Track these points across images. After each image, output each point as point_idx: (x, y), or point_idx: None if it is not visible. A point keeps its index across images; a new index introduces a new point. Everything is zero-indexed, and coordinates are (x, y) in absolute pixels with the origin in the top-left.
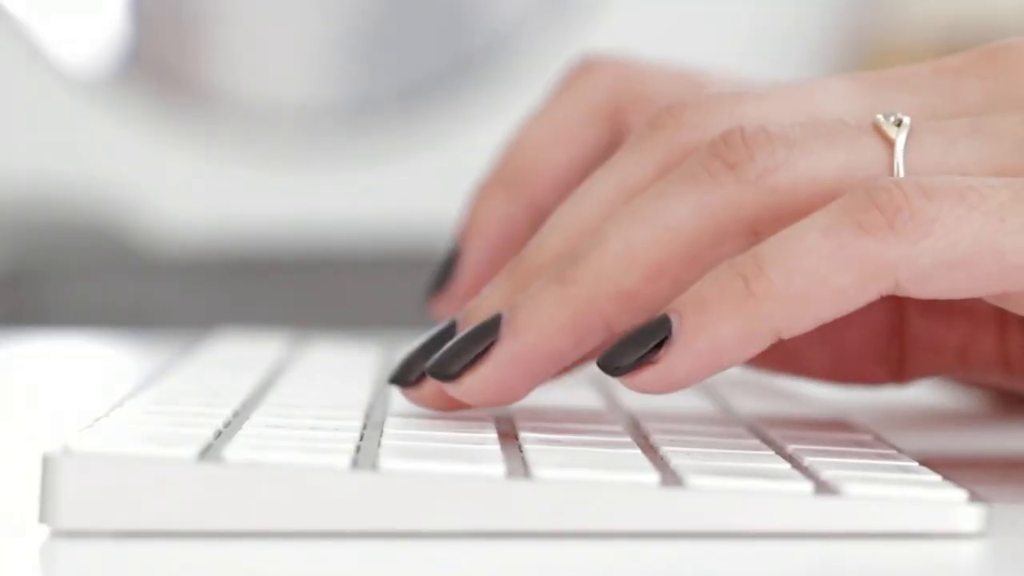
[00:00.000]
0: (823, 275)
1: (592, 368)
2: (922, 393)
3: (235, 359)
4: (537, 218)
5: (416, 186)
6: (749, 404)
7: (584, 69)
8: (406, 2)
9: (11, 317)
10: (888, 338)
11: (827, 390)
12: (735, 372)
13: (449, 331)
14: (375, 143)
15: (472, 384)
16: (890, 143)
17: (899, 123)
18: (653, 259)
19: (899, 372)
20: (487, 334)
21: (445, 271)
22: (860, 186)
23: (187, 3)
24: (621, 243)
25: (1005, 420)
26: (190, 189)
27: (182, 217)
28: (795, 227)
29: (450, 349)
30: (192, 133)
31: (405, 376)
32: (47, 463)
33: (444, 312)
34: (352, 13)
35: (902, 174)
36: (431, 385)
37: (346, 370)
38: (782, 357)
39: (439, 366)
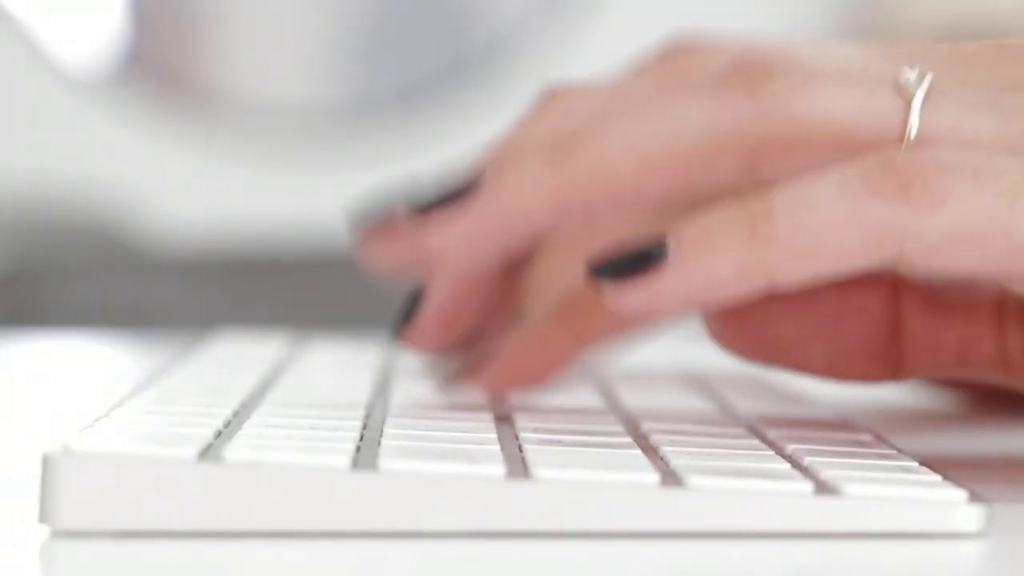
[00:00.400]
0: (830, 232)
1: (592, 368)
2: (922, 393)
3: (235, 359)
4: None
5: None
6: (749, 404)
7: (543, 102)
8: (406, 2)
9: (11, 317)
10: (886, 336)
11: (827, 390)
12: (735, 371)
13: (468, 187)
14: (375, 143)
15: (436, 235)
16: (907, 98)
17: (919, 82)
18: (649, 155)
19: (897, 370)
20: (467, 189)
21: (410, 303)
22: (877, 154)
23: (187, 3)
24: (620, 133)
25: (1005, 420)
26: (190, 189)
27: (182, 217)
28: (808, 177)
29: (428, 195)
30: (192, 133)
31: (425, 204)
32: (47, 463)
33: (411, 344)
34: (352, 13)
35: (915, 132)
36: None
37: (346, 370)
38: (778, 351)
39: (419, 203)
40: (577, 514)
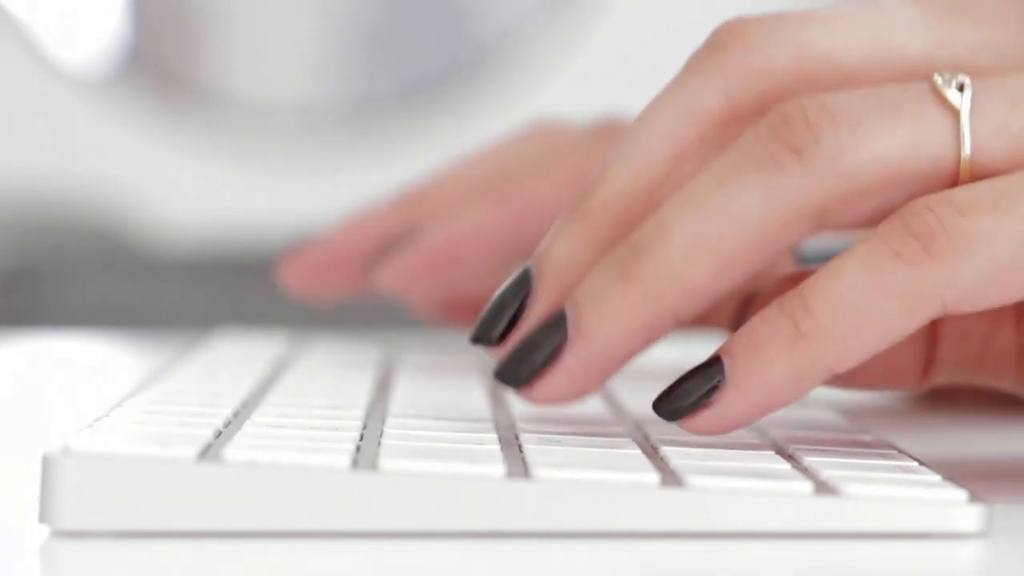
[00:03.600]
0: (867, 309)
1: None
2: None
3: (235, 359)
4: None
5: None
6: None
7: (524, 133)
8: (406, 2)
9: (11, 317)
10: (925, 328)
11: (827, 389)
12: None
13: (524, 279)
14: (375, 143)
15: (543, 389)
16: (954, 112)
17: (961, 87)
18: (721, 252)
19: (928, 367)
20: (552, 337)
21: (302, 244)
22: (896, 214)
23: (187, 3)
24: (687, 236)
25: (1005, 420)
26: (190, 189)
27: (182, 217)
28: (835, 262)
29: (516, 353)
30: (192, 133)
31: (488, 334)
32: (47, 463)
33: (285, 275)
34: (352, 13)
35: (968, 147)
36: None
37: (346, 370)
38: None
39: (507, 372)
40: (577, 514)
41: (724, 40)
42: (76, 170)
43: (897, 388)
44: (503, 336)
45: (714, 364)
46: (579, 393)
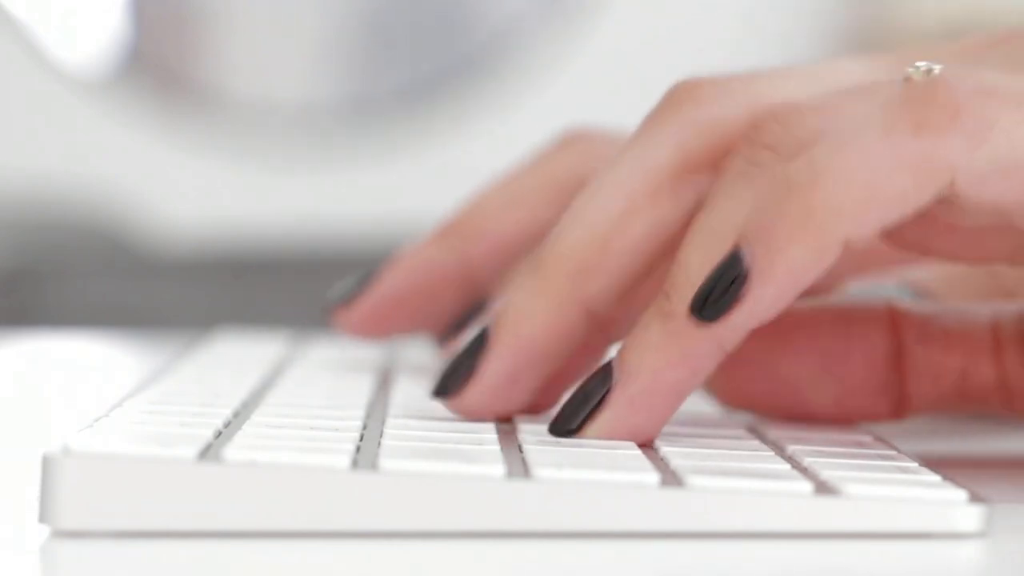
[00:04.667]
0: (882, 178)
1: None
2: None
3: (235, 359)
4: (468, 274)
5: (416, 186)
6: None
7: (562, 142)
8: (406, 2)
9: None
10: (887, 368)
11: None
12: None
13: (480, 340)
14: (375, 143)
15: (596, 432)
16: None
17: (929, 71)
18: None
19: (900, 405)
20: (601, 384)
21: (355, 287)
22: (919, 81)
23: (187, 3)
24: (701, 261)
25: (1005, 420)
26: (190, 189)
27: (182, 217)
28: (850, 128)
29: (568, 405)
30: (192, 133)
31: (447, 386)
32: (47, 463)
33: (341, 324)
34: (352, 13)
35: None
36: (474, 391)
37: (346, 370)
38: (789, 395)
39: (561, 426)
40: (577, 514)
41: (678, 97)
42: (76, 170)
43: (872, 423)
44: (459, 388)
45: (734, 258)
46: (636, 434)
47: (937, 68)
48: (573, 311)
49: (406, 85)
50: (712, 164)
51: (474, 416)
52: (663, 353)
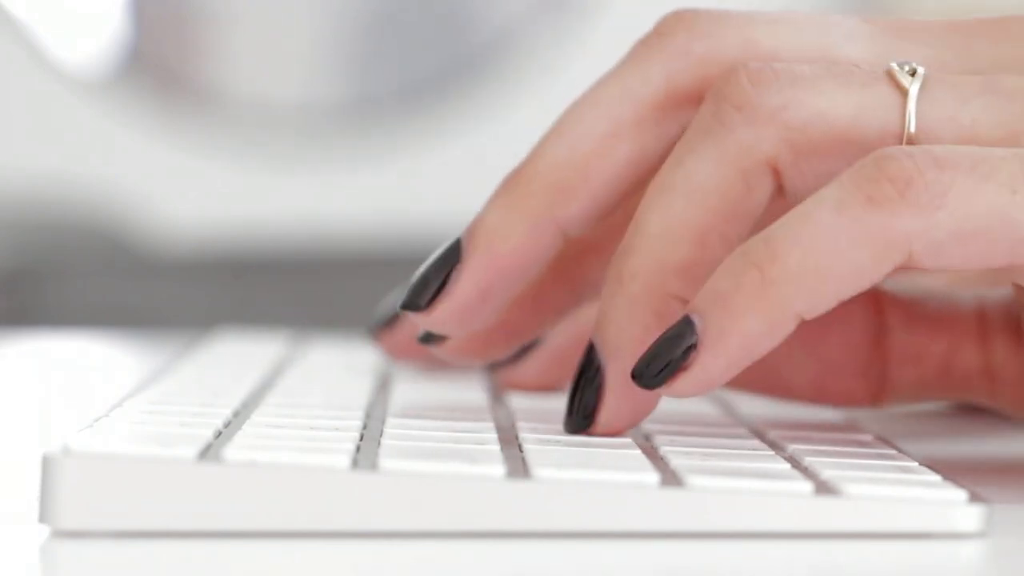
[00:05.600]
0: (838, 253)
1: None
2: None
3: (235, 359)
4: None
5: (416, 186)
6: (749, 405)
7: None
8: (406, 2)
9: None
10: (869, 350)
11: None
12: None
13: (452, 255)
14: (375, 143)
15: (607, 418)
16: (903, 92)
17: (913, 72)
18: (693, 225)
19: (881, 388)
20: (591, 367)
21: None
22: (869, 156)
23: (187, 3)
24: (658, 220)
25: (1005, 420)
26: (190, 189)
27: (182, 217)
28: (805, 205)
29: (574, 401)
30: (192, 133)
31: (416, 301)
32: (47, 463)
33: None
34: (352, 13)
35: (913, 125)
36: (444, 308)
37: (346, 370)
38: (767, 373)
39: (574, 422)
40: (577, 514)
41: (670, 26)
42: (76, 170)
43: (851, 407)
44: (430, 303)
45: (685, 326)
46: (640, 410)
47: (920, 69)
48: (548, 231)
49: (406, 85)
50: (698, 98)
51: (441, 330)
52: (638, 321)
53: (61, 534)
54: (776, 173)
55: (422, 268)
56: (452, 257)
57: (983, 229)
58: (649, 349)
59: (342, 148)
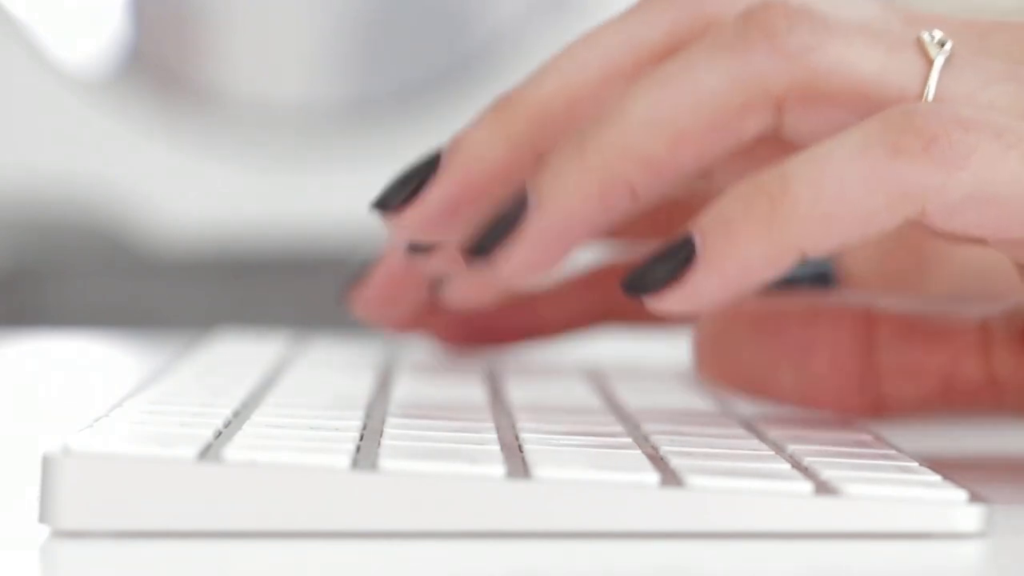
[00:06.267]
0: (852, 196)
1: (591, 367)
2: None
3: (235, 359)
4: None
5: None
6: (749, 405)
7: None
8: (406, 2)
9: (11, 317)
10: (859, 367)
11: None
12: None
13: (430, 164)
14: (375, 143)
15: (509, 264)
16: (929, 61)
17: (942, 44)
18: (676, 124)
19: (878, 404)
20: (517, 211)
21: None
22: (897, 107)
23: (187, 3)
24: (643, 107)
25: (1005, 420)
26: (190, 189)
27: (182, 217)
28: (827, 144)
29: (485, 229)
30: (192, 133)
31: (389, 201)
32: (47, 463)
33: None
34: (352, 13)
35: (932, 94)
36: (414, 213)
37: (346, 369)
38: (751, 377)
39: (477, 246)
40: (577, 514)
41: None
42: (76, 170)
43: (846, 413)
44: (402, 206)
45: (684, 240)
46: (542, 265)
47: (949, 44)
48: (525, 156)
49: (406, 85)
50: None
51: (408, 235)
52: (580, 189)
53: (61, 534)
54: (779, 110)
55: (399, 171)
56: (430, 166)
57: (1002, 197)
58: (644, 258)
59: (342, 148)
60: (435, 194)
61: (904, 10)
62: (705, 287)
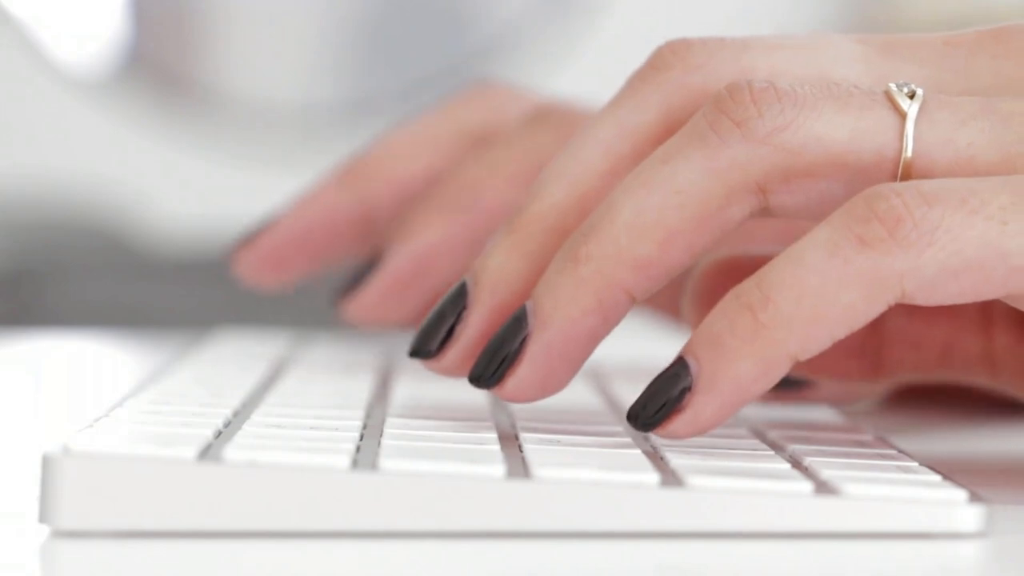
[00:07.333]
0: (831, 296)
1: (591, 367)
2: (922, 393)
3: (235, 359)
4: (368, 217)
5: None
6: (749, 404)
7: (471, 92)
8: (406, 2)
9: (11, 317)
10: (865, 332)
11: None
12: None
13: (458, 299)
14: None
15: (515, 385)
16: (902, 114)
17: (912, 95)
18: (664, 225)
19: (876, 368)
20: (517, 331)
21: (256, 228)
22: (859, 195)
23: (187, 3)
24: (630, 212)
25: (1005, 420)
26: (190, 189)
27: (182, 217)
28: (796, 247)
29: (486, 353)
30: (191, 133)
31: (426, 347)
32: (47, 463)
33: (241, 266)
34: (352, 13)
35: (911, 148)
36: (453, 353)
37: (346, 370)
38: None
39: (479, 375)
40: (577, 514)
41: (665, 59)
42: (76, 170)
43: (849, 391)
44: (440, 348)
45: (680, 367)
46: (549, 384)
47: (919, 91)
48: (546, 266)
49: (406, 85)
50: None
51: (451, 375)
52: (577, 301)
53: (61, 534)
54: (762, 193)
55: (430, 314)
56: (458, 302)
57: (974, 263)
58: (646, 390)
59: (342, 148)
60: (471, 330)
61: (880, 41)
62: (706, 409)
